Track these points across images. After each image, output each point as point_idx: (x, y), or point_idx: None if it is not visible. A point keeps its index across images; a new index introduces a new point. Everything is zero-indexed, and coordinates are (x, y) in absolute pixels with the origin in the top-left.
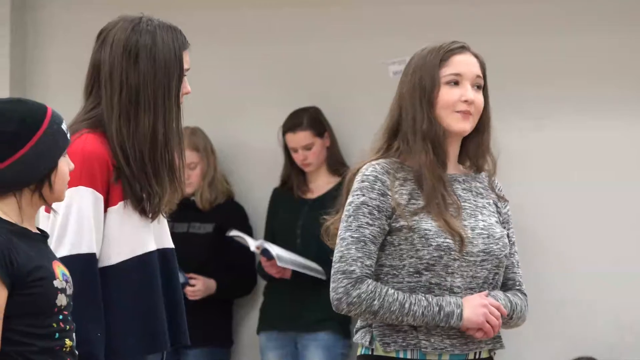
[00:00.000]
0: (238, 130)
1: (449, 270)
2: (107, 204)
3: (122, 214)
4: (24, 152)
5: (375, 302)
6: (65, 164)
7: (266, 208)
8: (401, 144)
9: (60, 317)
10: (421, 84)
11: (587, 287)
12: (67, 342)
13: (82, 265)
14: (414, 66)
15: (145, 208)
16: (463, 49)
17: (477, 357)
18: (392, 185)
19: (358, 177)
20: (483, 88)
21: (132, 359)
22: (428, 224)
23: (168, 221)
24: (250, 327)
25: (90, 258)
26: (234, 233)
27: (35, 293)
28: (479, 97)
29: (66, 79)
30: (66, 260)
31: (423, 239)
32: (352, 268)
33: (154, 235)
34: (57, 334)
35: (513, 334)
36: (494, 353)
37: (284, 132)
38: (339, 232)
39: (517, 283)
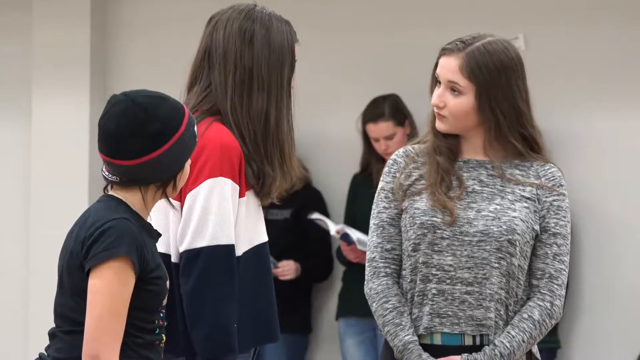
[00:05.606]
0: (316, 116)
1: (436, 249)
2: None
3: (248, 204)
4: (160, 152)
5: (374, 304)
6: (188, 163)
7: (344, 193)
8: None
9: (161, 314)
10: (431, 79)
11: None
12: (163, 337)
13: (223, 256)
14: None
15: (260, 190)
16: (444, 51)
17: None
18: (405, 166)
19: None
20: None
21: (246, 350)
22: (421, 203)
23: None
24: (329, 314)
25: (230, 249)
26: (315, 216)
27: (153, 290)
28: (450, 102)
29: (146, 70)
30: (206, 251)
31: (411, 218)
32: (373, 255)
33: None
34: (157, 330)
35: (588, 323)
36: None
37: (365, 122)
38: None
39: (547, 275)
